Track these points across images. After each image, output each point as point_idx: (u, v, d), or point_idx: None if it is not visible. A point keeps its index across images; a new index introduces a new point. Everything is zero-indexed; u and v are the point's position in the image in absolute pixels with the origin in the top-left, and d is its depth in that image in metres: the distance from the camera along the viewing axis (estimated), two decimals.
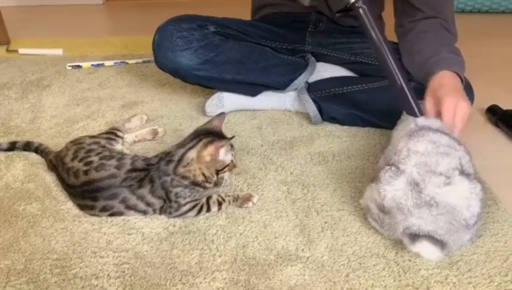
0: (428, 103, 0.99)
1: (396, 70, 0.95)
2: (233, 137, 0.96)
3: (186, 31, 1.21)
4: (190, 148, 0.93)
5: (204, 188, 0.94)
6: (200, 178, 0.92)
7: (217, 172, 0.94)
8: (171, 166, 0.92)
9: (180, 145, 0.95)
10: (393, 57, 0.96)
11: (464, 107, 0.95)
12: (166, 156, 0.94)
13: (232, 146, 0.97)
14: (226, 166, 0.95)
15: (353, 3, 0.96)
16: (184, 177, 0.92)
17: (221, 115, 1.03)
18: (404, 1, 1.19)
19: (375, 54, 0.98)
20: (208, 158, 0.92)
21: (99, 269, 0.83)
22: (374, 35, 0.96)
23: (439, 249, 0.81)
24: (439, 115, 0.96)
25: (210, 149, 0.91)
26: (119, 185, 0.91)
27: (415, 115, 0.95)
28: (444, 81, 1.02)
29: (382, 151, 1.02)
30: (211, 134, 0.96)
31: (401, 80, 0.95)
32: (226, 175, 0.97)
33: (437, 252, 0.81)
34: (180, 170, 0.91)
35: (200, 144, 0.93)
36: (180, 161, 0.92)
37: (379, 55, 0.97)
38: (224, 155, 0.94)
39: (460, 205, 0.79)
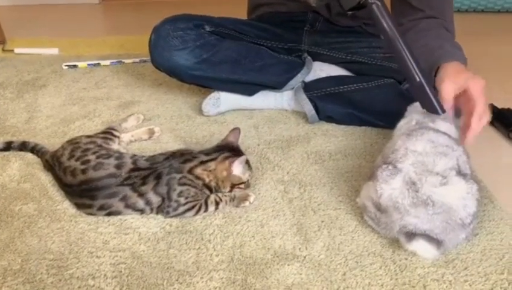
0: (448, 87, 0.93)
1: (415, 66, 0.92)
2: (245, 155, 0.99)
3: (183, 30, 1.21)
4: (213, 159, 0.96)
5: (211, 192, 0.96)
6: (213, 184, 0.96)
7: (233, 186, 0.97)
8: (189, 165, 0.94)
9: (205, 152, 0.98)
10: (410, 53, 0.93)
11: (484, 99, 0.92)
12: (182, 155, 0.96)
13: (249, 166, 1.00)
14: (243, 183, 0.98)
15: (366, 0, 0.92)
16: (198, 178, 0.94)
17: (236, 130, 1.04)
18: (403, 2, 1.19)
19: (391, 51, 0.95)
20: (224, 173, 0.95)
21: (96, 269, 0.83)
22: (389, 32, 0.92)
23: (435, 247, 0.81)
24: (457, 98, 0.93)
25: (226, 164, 0.95)
26: (120, 184, 0.92)
27: (437, 112, 0.92)
28: (460, 68, 0.99)
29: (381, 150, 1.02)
30: (231, 150, 0.99)
31: (420, 76, 0.92)
32: (238, 190, 0.99)
33: (433, 250, 0.81)
34: (198, 171, 0.94)
35: (219, 157, 0.96)
36: (202, 163, 0.95)
37: (396, 52, 0.93)
38: (240, 171, 0.96)
39: (456, 205, 0.79)
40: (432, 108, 0.93)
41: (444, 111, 0.92)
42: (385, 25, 0.93)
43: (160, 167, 0.94)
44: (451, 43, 1.11)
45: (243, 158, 0.96)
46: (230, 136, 1.03)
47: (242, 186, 0.98)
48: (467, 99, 0.92)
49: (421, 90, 0.93)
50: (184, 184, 0.93)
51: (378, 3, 0.92)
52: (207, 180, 0.95)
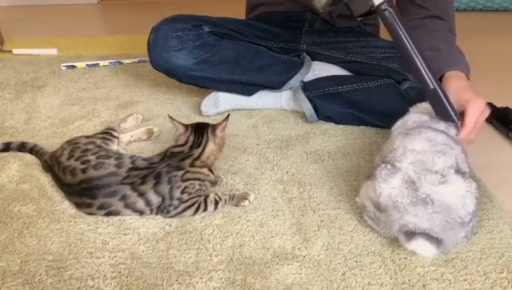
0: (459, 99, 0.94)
1: (429, 73, 0.92)
2: (228, 116, 1.04)
3: (181, 31, 1.21)
4: (206, 144, 0.99)
5: (212, 172, 0.99)
6: (213, 157, 1.01)
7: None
8: (188, 161, 0.96)
9: (195, 145, 0.99)
10: (424, 60, 0.92)
11: (487, 113, 0.94)
12: (178, 154, 0.97)
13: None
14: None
15: (378, 6, 0.91)
16: (202, 166, 0.97)
17: (173, 121, 1.01)
18: (408, 1, 1.18)
19: (404, 57, 0.94)
20: (221, 142, 1.02)
21: (96, 269, 0.83)
22: (403, 38, 0.91)
23: (435, 246, 0.81)
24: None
25: (220, 134, 1.01)
26: (120, 182, 0.92)
27: (452, 120, 0.91)
28: (465, 84, 1.00)
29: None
30: (198, 127, 1.02)
31: (435, 83, 0.92)
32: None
33: (433, 249, 0.81)
34: (198, 163, 0.97)
35: (210, 136, 1.00)
36: (199, 156, 0.98)
37: (409, 59, 0.92)
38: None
39: (455, 203, 0.79)
40: (447, 115, 0.92)
41: (459, 119, 0.92)
42: (399, 31, 0.92)
43: (158, 167, 0.94)
44: (458, 49, 1.11)
45: (225, 122, 1.02)
46: (177, 123, 1.01)
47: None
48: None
49: (436, 98, 0.92)
50: (188, 179, 0.93)
51: (391, 9, 0.91)
52: (210, 163, 0.99)
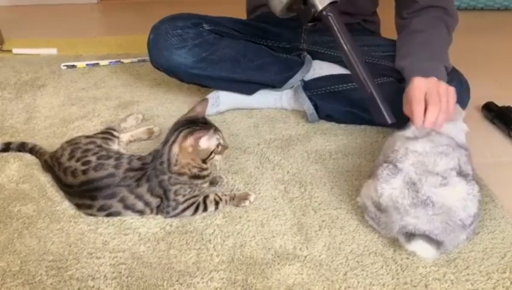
0: (406, 110, 0.97)
1: (366, 78, 0.95)
2: (215, 127, 0.93)
3: (181, 29, 1.21)
4: (173, 143, 0.91)
5: (204, 178, 0.93)
6: (195, 170, 0.92)
7: (204, 160, 0.92)
8: (165, 165, 0.91)
9: (165, 141, 0.93)
10: (362, 65, 0.96)
11: (424, 86, 0.94)
12: (158, 156, 0.93)
13: (216, 130, 0.93)
14: (212, 152, 0.92)
15: (320, 11, 0.96)
16: (181, 174, 0.91)
17: (204, 101, 1.00)
18: None
19: (345, 61, 0.98)
20: (189, 149, 0.90)
21: (96, 270, 0.83)
22: (342, 42, 0.97)
23: (435, 248, 0.80)
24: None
25: (190, 140, 0.89)
26: (117, 184, 0.91)
27: (386, 121, 0.94)
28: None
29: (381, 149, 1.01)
30: (192, 123, 0.93)
31: (371, 87, 0.95)
32: (218, 159, 0.94)
33: (433, 251, 0.81)
34: (174, 168, 0.91)
35: (180, 136, 0.91)
36: (169, 159, 0.91)
37: (348, 63, 0.97)
38: (206, 143, 0.90)
39: (456, 205, 0.79)
40: (382, 117, 0.95)
41: (392, 121, 0.94)
42: (339, 36, 0.97)
43: (149, 169, 0.93)
44: (430, 52, 1.09)
45: (204, 132, 0.89)
46: (198, 107, 0.97)
47: (213, 156, 0.92)
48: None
49: (372, 101, 0.96)
50: (175, 183, 0.91)
51: (332, 14, 0.96)
52: (188, 172, 0.91)
